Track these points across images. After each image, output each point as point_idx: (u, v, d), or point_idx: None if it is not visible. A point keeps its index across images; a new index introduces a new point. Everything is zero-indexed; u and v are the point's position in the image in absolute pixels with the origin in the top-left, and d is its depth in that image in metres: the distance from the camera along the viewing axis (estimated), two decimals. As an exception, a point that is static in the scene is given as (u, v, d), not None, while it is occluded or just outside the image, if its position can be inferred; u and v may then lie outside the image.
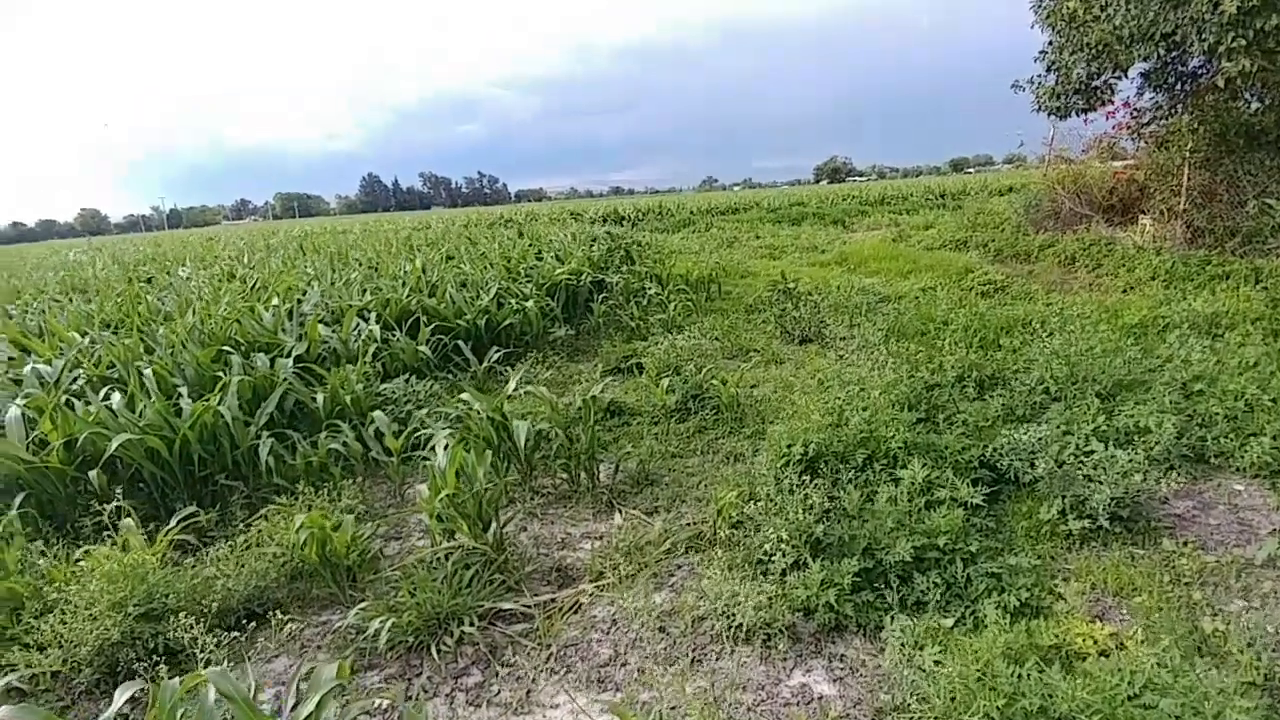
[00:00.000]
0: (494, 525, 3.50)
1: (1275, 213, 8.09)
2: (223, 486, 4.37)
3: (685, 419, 5.33)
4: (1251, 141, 8.98)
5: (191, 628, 2.66)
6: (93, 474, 4.01)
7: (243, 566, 3.35)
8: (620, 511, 4.05)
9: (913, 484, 3.44)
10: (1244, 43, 5.96)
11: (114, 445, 4.00)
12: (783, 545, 3.06)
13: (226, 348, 5.72)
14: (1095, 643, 2.51)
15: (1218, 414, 4.28)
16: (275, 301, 7.43)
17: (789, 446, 3.88)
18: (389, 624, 2.91)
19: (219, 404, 4.45)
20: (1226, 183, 9.18)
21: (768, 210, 29.92)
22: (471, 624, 3.01)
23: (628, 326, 8.32)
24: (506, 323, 7.58)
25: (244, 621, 3.17)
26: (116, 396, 4.61)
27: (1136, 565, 3.11)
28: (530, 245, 12.31)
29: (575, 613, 3.17)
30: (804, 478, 3.51)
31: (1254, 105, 8.98)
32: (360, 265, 10.99)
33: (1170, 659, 2.20)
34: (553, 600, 3.28)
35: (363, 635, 2.98)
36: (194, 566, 3.38)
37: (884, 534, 3.11)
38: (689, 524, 3.82)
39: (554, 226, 18.20)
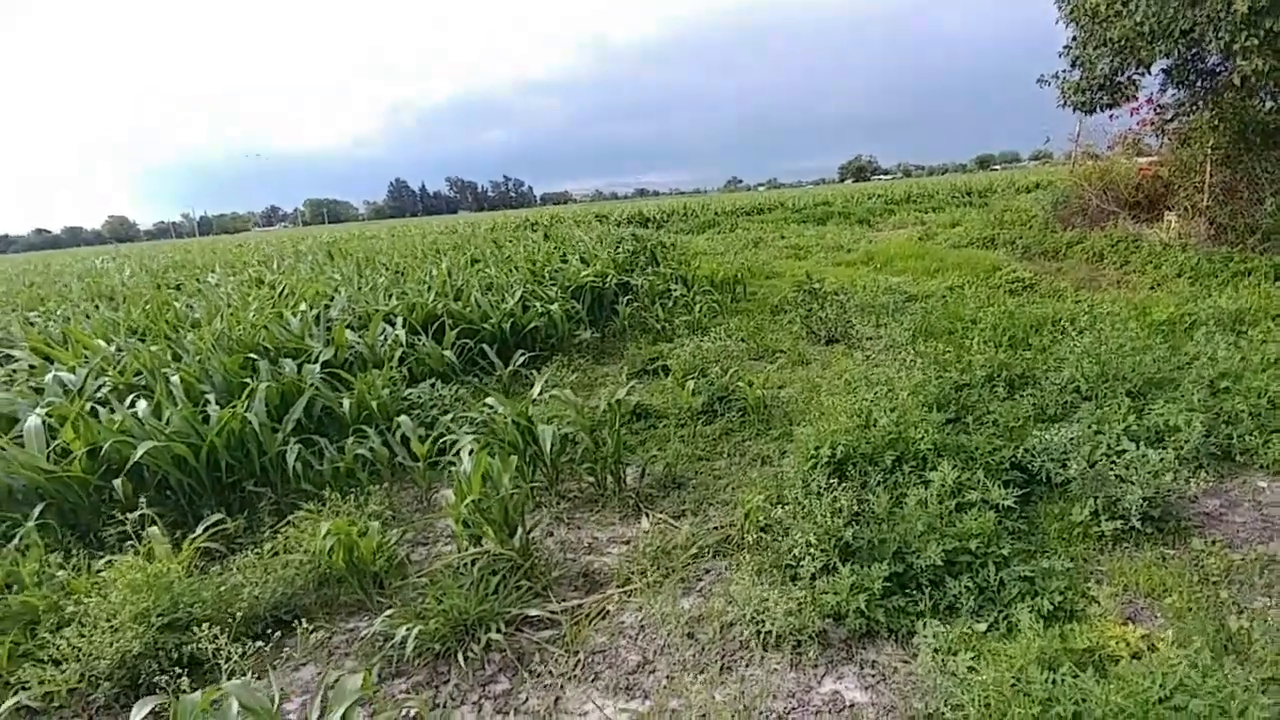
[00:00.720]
0: (520, 530, 3.52)
1: (1291, 212, 7.92)
2: (250, 493, 4.44)
3: (711, 421, 5.32)
4: (1268, 140, 8.82)
5: (216, 638, 2.66)
6: (117, 482, 4.06)
7: (270, 574, 3.37)
8: (647, 515, 4.06)
9: (943, 486, 3.40)
10: (1256, 42, 5.88)
11: (139, 453, 4.05)
12: (811, 549, 3.04)
13: (254, 354, 5.80)
14: (1128, 645, 2.47)
15: (1243, 411, 4.22)
16: (303, 307, 7.57)
17: (816, 448, 3.86)
18: (416, 631, 2.93)
19: (246, 410, 4.52)
20: (1247, 180, 8.99)
21: (793, 210, 29.77)
22: (499, 630, 3.02)
23: (653, 328, 8.33)
24: (531, 326, 7.63)
25: (270, 630, 3.15)
26: (143, 404, 4.67)
27: (1167, 566, 3.06)
28: (555, 248, 12.40)
29: (603, 619, 3.19)
30: (832, 480, 3.49)
31: (1268, 104, 8.79)
32: (386, 270, 11.14)
33: (1200, 659, 2.16)
34: (580, 606, 3.29)
35: (390, 642, 2.99)
36: (220, 574, 3.42)
37: (914, 537, 3.08)
38: (716, 528, 3.81)
39: (579, 229, 18.30)
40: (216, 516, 3.94)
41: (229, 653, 2.63)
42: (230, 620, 3.05)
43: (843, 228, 22.49)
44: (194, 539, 3.61)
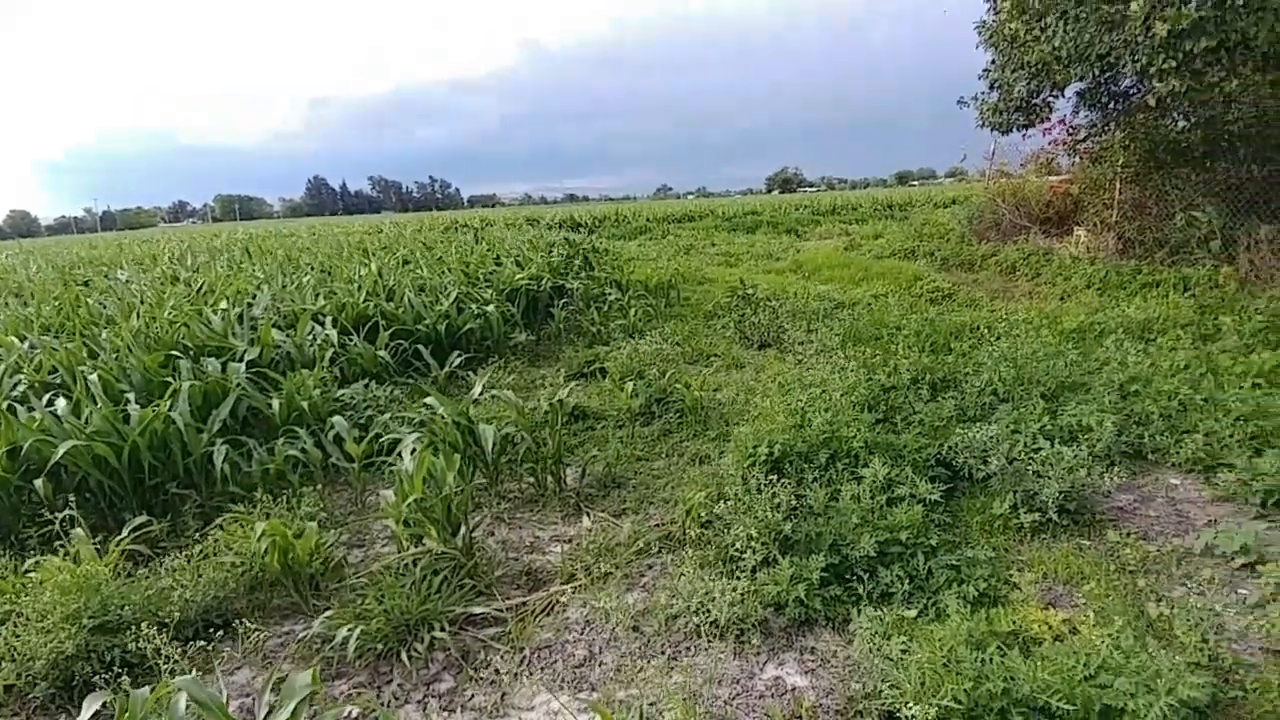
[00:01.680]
0: (463, 529, 3.47)
1: (1201, 225, 8.63)
2: (174, 495, 4.21)
3: (650, 422, 5.37)
4: (1178, 157, 9.57)
5: (153, 638, 2.56)
6: (38, 483, 3.82)
7: (200, 576, 3.23)
8: (588, 514, 4.07)
9: (874, 482, 3.56)
10: (1174, 64, 6.35)
11: (60, 452, 3.83)
12: (753, 543, 3.12)
13: (174, 352, 5.52)
14: (1050, 628, 2.64)
15: (1153, 413, 4.55)
16: (224, 305, 7.20)
17: (755, 447, 3.96)
18: (357, 631, 2.86)
19: (170, 410, 4.29)
20: (1155, 196, 9.75)
21: (723, 218, 30.33)
22: (442, 629, 2.97)
23: (589, 332, 8.33)
24: (467, 328, 7.51)
25: (202, 633, 3.05)
26: (61, 402, 4.42)
27: (1084, 555, 3.29)
28: (489, 250, 12.22)
29: (548, 615, 3.17)
30: (771, 477, 3.58)
31: (1181, 124, 9.56)
32: (312, 269, 10.72)
33: (1122, 641, 2.33)
34: (524, 604, 3.27)
35: (329, 644, 2.91)
36: (148, 578, 3.25)
37: (849, 530, 3.21)
38: (658, 525, 3.86)
39: (511, 232, 18.09)
40: (141, 519, 3.72)
41: (168, 653, 2.53)
42: (164, 623, 2.93)
43: (772, 237, 23.09)
44: (120, 541, 3.41)
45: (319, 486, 4.29)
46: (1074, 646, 2.39)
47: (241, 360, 5.60)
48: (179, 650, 2.61)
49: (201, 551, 3.41)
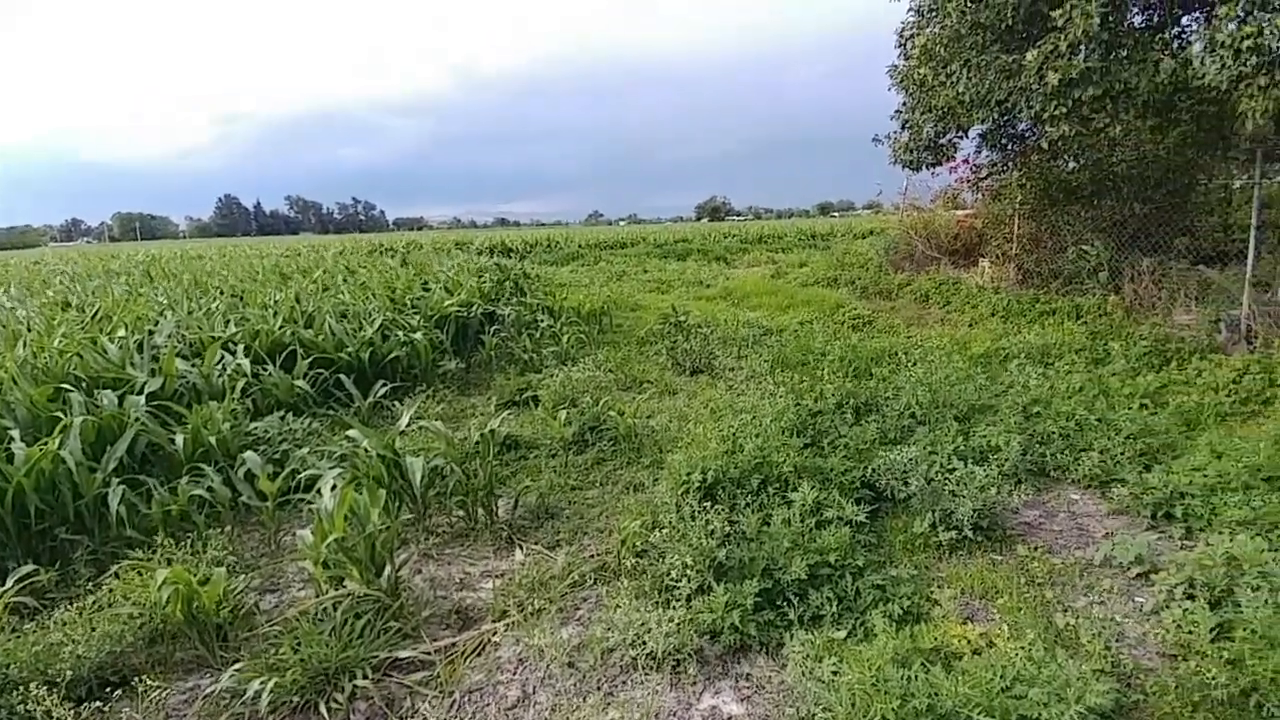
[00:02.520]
0: (388, 569, 3.33)
1: (1090, 258, 9.38)
2: (64, 541, 3.86)
3: (583, 450, 5.33)
4: (1069, 195, 10.41)
5: (44, 699, 2.31)
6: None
7: (94, 630, 2.95)
8: (521, 547, 3.98)
9: (804, 505, 3.64)
10: (1064, 110, 6.92)
11: (-70, 497, 3.46)
12: (688, 571, 3.13)
13: (66, 385, 5.09)
14: (969, 643, 2.75)
15: (1054, 433, 4.87)
16: (122, 333, 6.74)
17: (688, 474, 3.99)
18: (270, 684, 2.68)
19: (60, 448, 3.95)
20: (1050, 231, 10.55)
21: (654, 245, 30.76)
22: (365, 677, 2.82)
23: (521, 359, 8.24)
24: (393, 355, 7.28)
25: (97, 692, 2.78)
26: (-64, 441, 4.01)
27: (997, 570, 3.46)
28: (416, 275, 11.94)
29: (479, 655, 3.07)
30: (704, 504, 3.62)
31: (1071, 164, 10.40)
32: (222, 294, 10.19)
33: (1034, 653, 2.45)
34: (454, 644, 3.15)
35: (240, 699, 2.72)
36: (35, 632, 2.96)
37: (781, 554, 3.26)
38: (593, 556, 3.81)
39: (439, 256, 17.76)
40: (27, 568, 3.40)
41: (60, 715, 2.34)
42: (55, 681, 2.67)
43: (702, 264, 23.57)
44: (3, 593, 3.12)
45: (228, 528, 4.01)
46: (991, 660, 2.50)
47: (141, 392, 5.24)
48: (72, 711, 2.41)
49: (95, 602, 3.15)
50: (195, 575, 3.12)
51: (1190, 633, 2.75)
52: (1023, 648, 2.49)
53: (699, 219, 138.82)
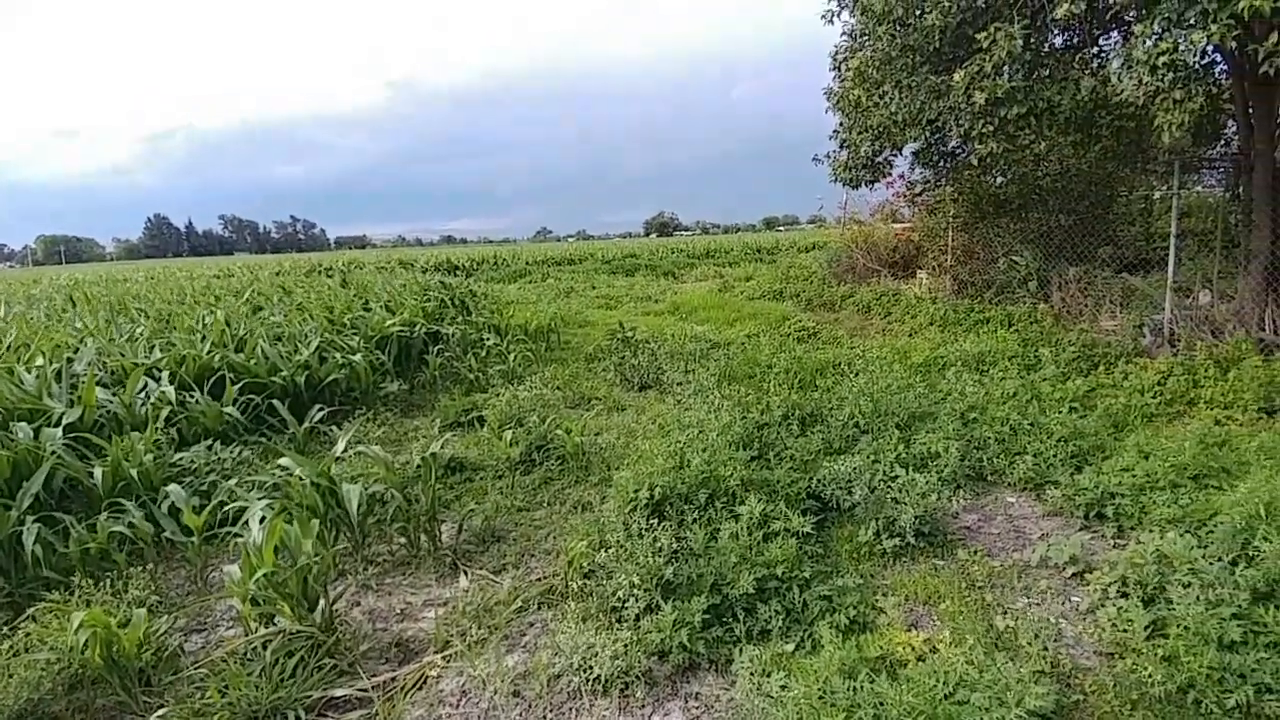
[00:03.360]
0: (322, 603, 3.17)
1: (1020, 268, 9.79)
2: None
3: (530, 470, 5.23)
4: (999, 209, 10.87)
5: None
6: None
7: (10, 676, 2.79)
8: (466, 573, 3.86)
9: (751, 519, 3.64)
10: (991, 128, 7.23)
11: None
12: (635, 590, 3.08)
13: (-26, 418, 4.76)
14: (913, 649, 2.78)
15: (989, 438, 5.01)
16: (39, 361, 6.34)
17: (635, 491, 3.94)
18: (194, 731, 2.53)
19: (-34, 487, 3.68)
20: (982, 243, 10.99)
21: (602, 261, 30.79)
22: (298, 717, 2.69)
23: (466, 379, 8.07)
24: (331, 379, 7.03)
25: None
26: None
27: (939, 575, 3.51)
28: (356, 295, 11.62)
29: (420, 689, 2.94)
30: (651, 521, 3.58)
31: (999, 179, 10.87)
32: (147, 318, 9.71)
33: (975, 657, 2.49)
34: (393, 679, 3.02)
35: (161, 749, 2.55)
36: None
37: (729, 569, 3.24)
38: (539, 579, 3.72)
39: (382, 275, 17.36)
40: None
41: None
42: None
43: (650, 279, 23.69)
44: None
45: (150, 566, 3.78)
46: (934, 666, 2.52)
47: (58, 424, 4.93)
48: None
49: (11, 648, 2.97)
50: (115, 617, 2.96)
51: (1125, 631, 2.82)
52: (964, 652, 2.52)
53: (648, 234, 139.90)
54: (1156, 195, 10.58)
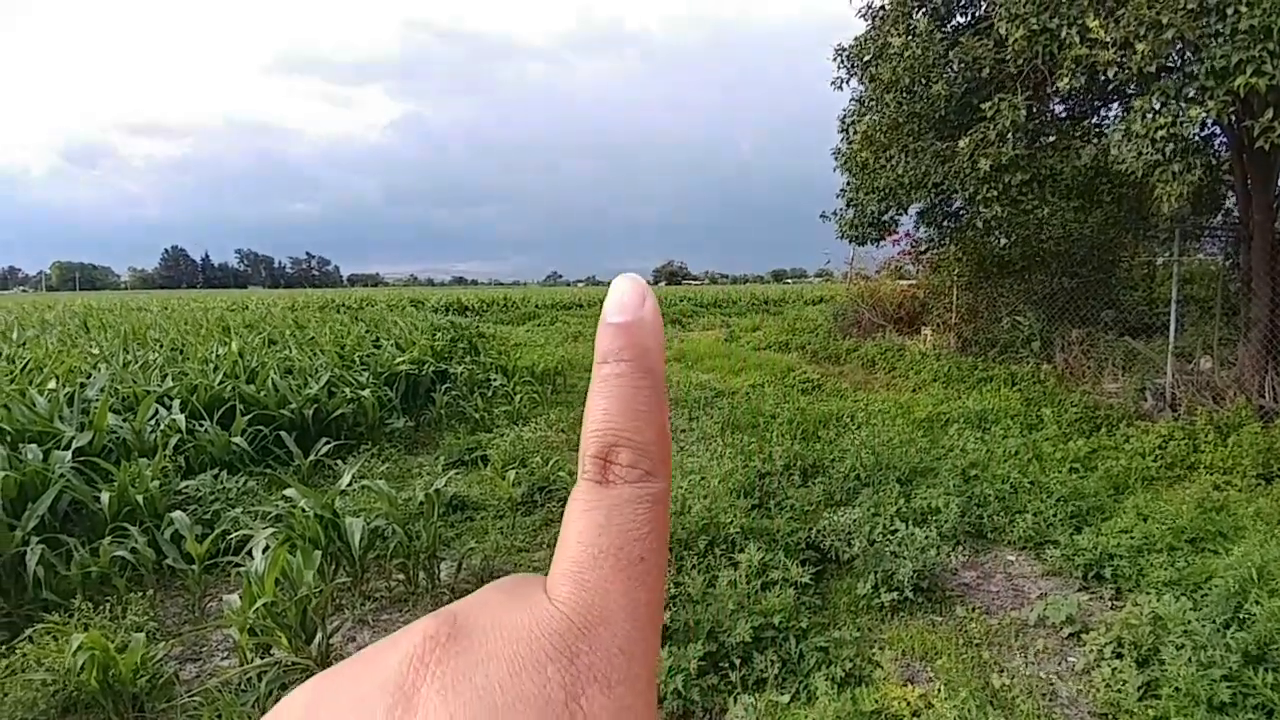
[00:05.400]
0: (319, 635, 3.19)
1: (1023, 328, 9.90)
2: None
3: (532, 511, 5.25)
4: (1003, 269, 11.04)
5: None
6: None
7: (6, 695, 2.81)
8: (462, 611, 3.86)
9: (750, 567, 3.65)
10: (995, 193, 7.44)
11: None
12: (631, 634, 3.08)
13: (-12, 438, 4.85)
14: (909, 704, 2.77)
15: (990, 495, 5.01)
16: (52, 385, 6.45)
17: (635, 535, 3.96)
18: (184, 761, 2.52)
19: (-22, 505, 3.75)
20: (986, 302, 11.13)
21: (610, 307, 30.99)
22: (288, 751, 2.67)
23: (471, 418, 8.14)
24: (339, 413, 7.12)
25: None
26: None
27: (937, 631, 3.50)
28: (367, 332, 11.81)
29: (411, 726, 2.93)
30: (650, 565, 3.59)
31: (1003, 241, 11.08)
32: (161, 346, 9.88)
33: (969, 714, 2.48)
34: (386, 715, 3.00)
35: (150, 778, 2.54)
36: None
37: (726, 616, 3.25)
38: (536, 620, 3.71)
39: (393, 313, 17.61)
40: None
41: None
42: None
43: (657, 327, 23.83)
44: None
45: (150, 592, 3.81)
46: (929, 722, 2.52)
47: (68, 448, 4.99)
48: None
49: (8, 667, 2.99)
50: (113, 641, 2.98)
51: (1119, 691, 2.82)
52: (958, 708, 2.52)
53: (657, 282, 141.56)
54: (1159, 261, 10.74)
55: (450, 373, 9.43)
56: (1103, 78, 6.20)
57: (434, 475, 5.39)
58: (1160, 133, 5.57)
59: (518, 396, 8.88)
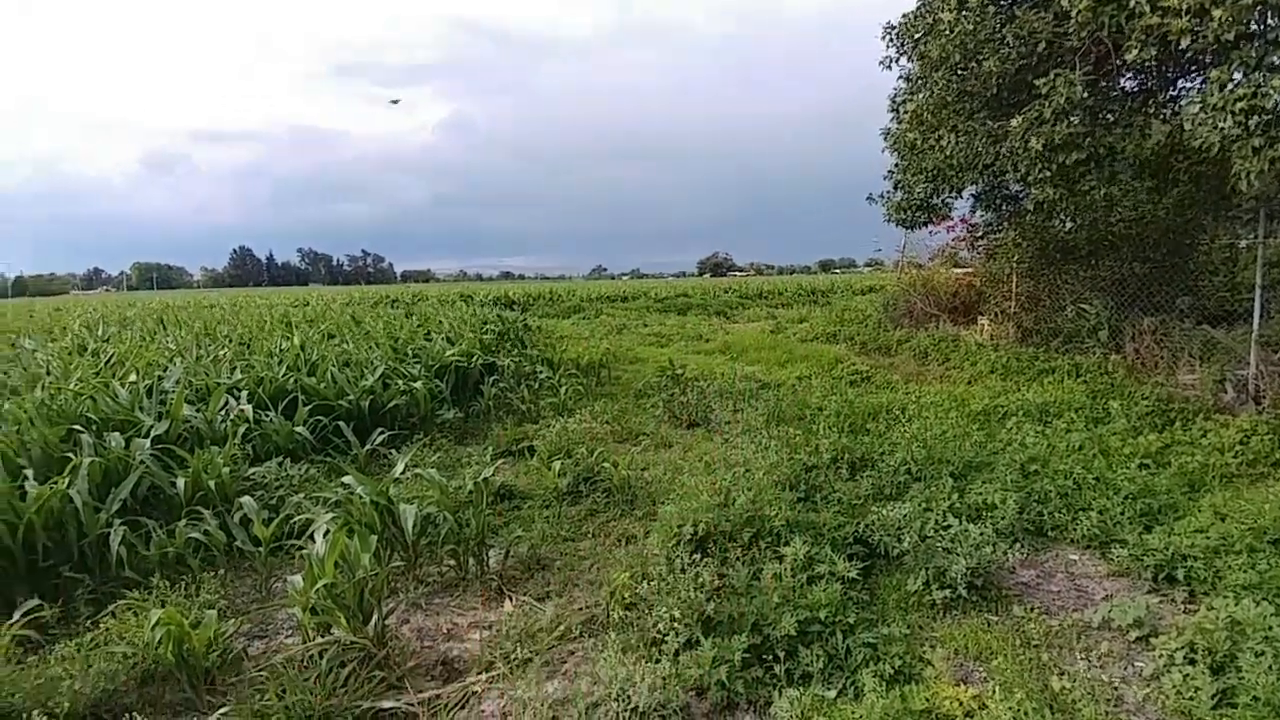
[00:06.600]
0: (375, 617, 3.31)
1: (1089, 316, 9.46)
2: (67, 579, 3.89)
3: (577, 502, 5.32)
4: (1067, 255, 10.55)
5: None
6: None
7: (90, 667, 3.00)
8: (510, 598, 3.95)
9: (795, 560, 3.62)
10: (1049, 174, 7.12)
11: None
12: (675, 624, 3.10)
13: (77, 426, 5.16)
14: (961, 704, 2.71)
15: (1051, 492, 4.82)
16: (133, 378, 6.85)
17: (679, 526, 3.98)
18: (252, 731, 2.66)
19: (68, 487, 4.04)
20: (1048, 290, 10.67)
21: (655, 300, 31.06)
22: (347, 727, 2.80)
23: (518, 409, 8.28)
24: (392, 404, 7.34)
25: None
26: (-46, 477, 4.07)
27: (992, 631, 3.41)
28: (419, 326, 12.11)
29: (463, 708, 3.02)
30: (695, 556, 3.61)
31: (1067, 225, 10.59)
32: (230, 341, 10.35)
33: (1024, 716, 2.41)
34: (438, 696, 3.11)
35: (222, 745, 2.69)
36: (38, 665, 3.02)
37: (770, 609, 3.23)
38: (582, 608, 3.77)
39: (443, 308, 18.01)
40: (33, 603, 3.47)
41: None
42: (54, 714, 2.70)
43: (702, 318, 23.78)
44: (12, 625, 3.19)
45: (221, 572, 4.02)
46: (982, 722, 2.46)
47: (147, 436, 5.30)
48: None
49: (93, 640, 3.21)
50: (188, 617, 3.17)
51: (1191, 699, 2.70)
52: (1014, 710, 2.45)
53: (701, 274, 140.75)
54: (1242, 244, 10.10)
55: (498, 365, 9.61)
56: (1176, 48, 5.85)
57: (482, 465, 5.50)
58: (1239, 105, 5.23)
59: (563, 388, 8.99)
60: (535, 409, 8.22)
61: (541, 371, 9.72)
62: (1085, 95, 6.65)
